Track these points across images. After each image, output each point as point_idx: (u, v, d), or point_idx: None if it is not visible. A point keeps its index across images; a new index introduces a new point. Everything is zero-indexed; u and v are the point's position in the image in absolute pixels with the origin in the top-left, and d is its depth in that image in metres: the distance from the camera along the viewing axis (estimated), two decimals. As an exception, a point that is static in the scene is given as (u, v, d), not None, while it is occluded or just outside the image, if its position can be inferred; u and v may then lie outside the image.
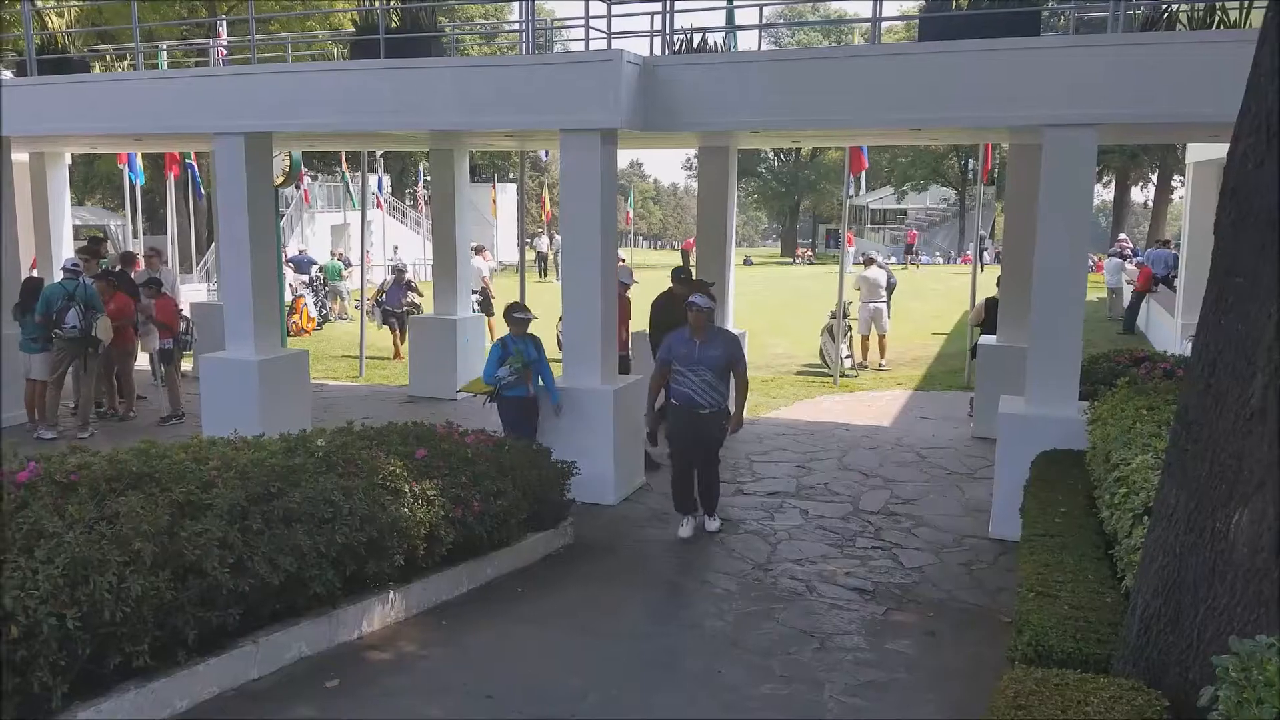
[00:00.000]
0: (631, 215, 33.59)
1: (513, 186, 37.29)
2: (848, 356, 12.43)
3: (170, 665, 3.73)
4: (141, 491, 3.92)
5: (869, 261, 14.62)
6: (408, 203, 35.66)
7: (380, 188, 25.78)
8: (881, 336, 13.18)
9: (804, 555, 5.98)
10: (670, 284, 8.33)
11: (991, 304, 9.82)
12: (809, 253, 46.98)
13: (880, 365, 12.99)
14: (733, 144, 10.27)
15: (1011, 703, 2.60)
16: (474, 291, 13.11)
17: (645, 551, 6.10)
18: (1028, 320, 6.83)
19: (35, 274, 11.07)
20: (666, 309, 8.07)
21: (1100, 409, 5.61)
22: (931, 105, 6.58)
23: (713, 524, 6.47)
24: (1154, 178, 37.39)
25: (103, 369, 9.39)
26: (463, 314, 11.34)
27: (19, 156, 11.76)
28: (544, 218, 33.07)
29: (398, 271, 15.50)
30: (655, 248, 66.20)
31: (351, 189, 28.34)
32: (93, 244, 11.49)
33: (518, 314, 7.24)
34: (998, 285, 9.70)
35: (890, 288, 19.32)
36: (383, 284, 15.87)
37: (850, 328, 12.84)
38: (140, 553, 3.59)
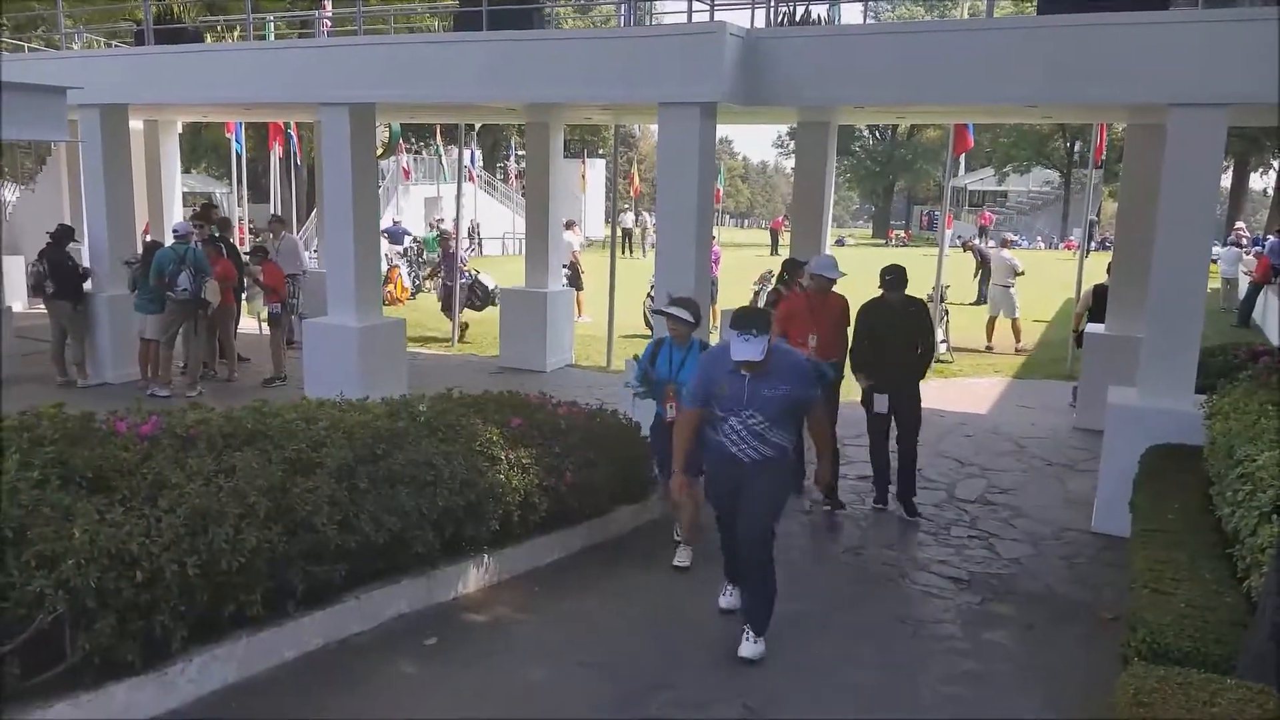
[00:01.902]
0: (721, 193, 33.38)
1: (601, 162, 37.41)
2: (943, 341, 12.14)
3: (280, 616, 3.91)
4: (256, 448, 4.09)
5: (1004, 244, 14.50)
6: (498, 176, 36.12)
7: (473, 161, 26.20)
8: (1014, 320, 13.13)
9: (896, 541, 5.90)
10: (881, 290, 6.21)
11: (1100, 291, 9.45)
12: (905, 234, 45.94)
13: (1017, 349, 12.91)
14: (833, 120, 10.08)
15: (1133, 700, 2.52)
16: (564, 265, 13.23)
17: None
18: (1140, 309, 6.56)
19: (149, 239, 11.60)
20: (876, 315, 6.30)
21: (1220, 403, 5.36)
22: (1050, 82, 6.32)
23: (750, 648, 4.21)
24: (1276, 164, 35.34)
25: (207, 331, 9.81)
26: (554, 287, 11.45)
27: (134, 124, 12.28)
28: (632, 193, 33.11)
29: (444, 240, 14.30)
30: (743, 226, 65.65)
31: (445, 162, 28.92)
32: (204, 210, 11.99)
33: (674, 310, 5.14)
34: (1108, 272, 9.33)
35: (989, 273, 18.82)
36: (440, 261, 14.17)
37: (947, 312, 12.55)
38: (255, 506, 3.75)
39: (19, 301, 13.06)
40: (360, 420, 4.70)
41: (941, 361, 11.78)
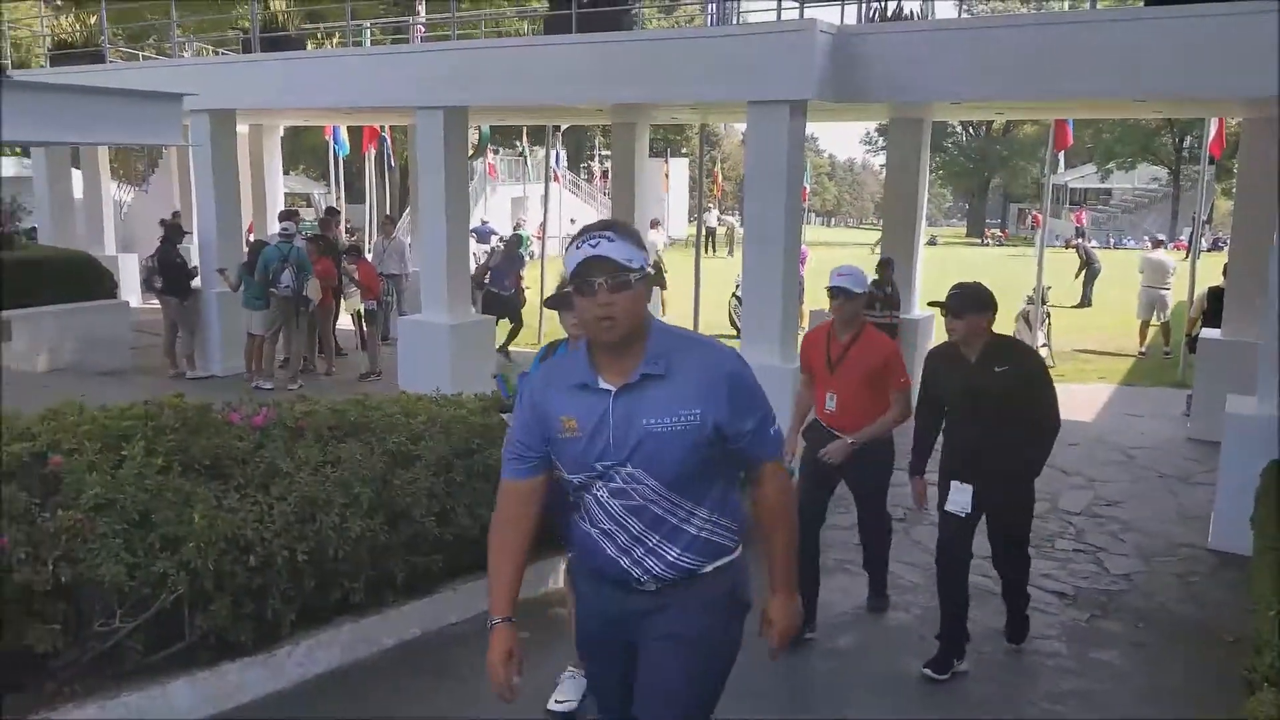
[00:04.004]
0: (808, 191, 33.09)
1: (684, 161, 37.43)
2: (1044, 345, 11.79)
3: (381, 604, 4.05)
4: (359, 440, 4.25)
5: (1156, 244, 14.14)
6: (583, 176, 36.48)
7: (558, 161, 26.55)
8: (1164, 324, 12.77)
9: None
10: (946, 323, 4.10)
11: (1215, 294, 9.05)
12: (1001, 233, 44.70)
13: (1165, 353, 12.52)
14: (927, 116, 9.91)
15: (1260, 724, 2.42)
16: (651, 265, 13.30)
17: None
18: (1258, 313, 6.26)
19: (253, 238, 12.12)
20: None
21: (1350, 413, 5.09)
22: (1161, 74, 6.11)
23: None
24: None
25: (307, 327, 10.19)
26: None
27: (240, 128, 12.83)
28: (715, 192, 33.07)
29: (509, 242, 12.63)
30: (829, 225, 64.86)
31: (530, 162, 29.37)
32: (288, 213, 12.47)
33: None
34: (1224, 274, 8.93)
35: (1094, 273, 18.15)
36: (488, 260, 12.14)
37: (1049, 314, 12.19)
38: (359, 496, 3.90)
39: (134, 297, 13.78)
40: (455, 415, 4.83)
41: (1040, 366, 11.42)
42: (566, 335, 3.61)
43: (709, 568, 2.22)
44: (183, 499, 3.49)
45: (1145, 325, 12.93)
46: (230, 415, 4.16)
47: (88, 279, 10.62)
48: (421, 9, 15.47)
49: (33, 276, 9.88)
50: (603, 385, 2.14)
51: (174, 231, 10.19)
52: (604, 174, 34.48)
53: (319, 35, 16.06)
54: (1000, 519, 4.13)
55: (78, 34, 13.32)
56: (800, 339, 4.92)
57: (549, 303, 3.42)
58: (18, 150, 19.33)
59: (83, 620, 3.27)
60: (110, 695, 3.27)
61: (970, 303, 3.86)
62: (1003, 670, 4.28)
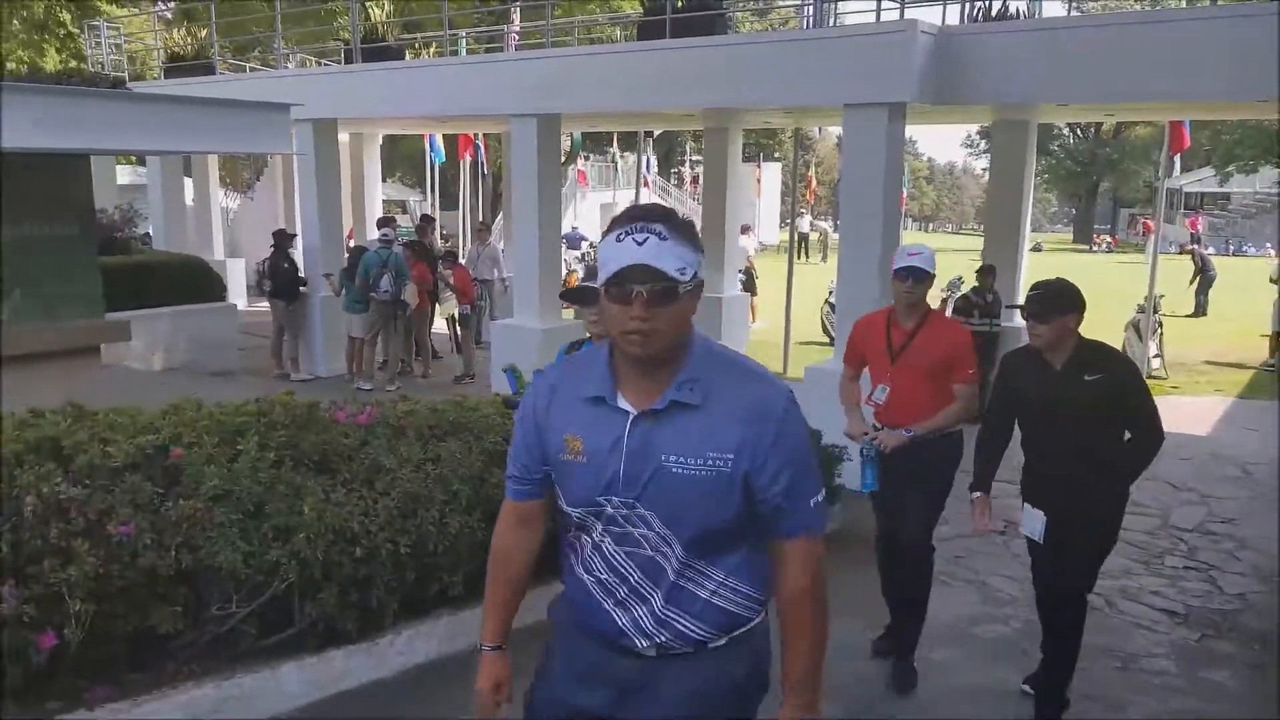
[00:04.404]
0: (905, 195, 32.60)
1: (776, 165, 37.26)
2: (1156, 355, 11.38)
3: (478, 598, 4.18)
4: (458, 439, 4.41)
5: None
6: (673, 182, 36.65)
7: (648, 167, 26.76)
8: None
9: (1103, 568, 5.60)
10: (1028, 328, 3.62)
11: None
12: (1111, 239, 43.11)
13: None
14: (1032, 118, 9.70)
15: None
16: (739, 271, 13.34)
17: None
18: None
19: (353, 244, 12.60)
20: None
21: None
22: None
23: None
24: None
25: (404, 330, 10.56)
26: (729, 292, 11.56)
27: (341, 137, 13.37)
28: (808, 197, 32.80)
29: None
30: (927, 230, 63.59)
31: (621, 168, 29.67)
32: (386, 219, 12.92)
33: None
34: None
35: (1208, 281, 17.39)
36: (585, 270, 11.83)
37: (1161, 324, 11.76)
38: (458, 493, 4.06)
39: (240, 300, 14.49)
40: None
41: (1155, 378, 11.04)
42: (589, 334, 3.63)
43: (722, 640, 1.87)
44: (293, 492, 3.70)
45: (1277, 336, 12.38)
46: (336, 414, 4.37)
47: (199, 282, 11.22)
48: (516, 18, 15.81)
49: (148, 280, 10.49)
50: (621, 404, 1.79)
51: (284, 238, 10.69)
52: (695, 179, 34.57)
53: (416, 45, 16.61)
54: (1071, 555, 3.57)
55: (189, 47, 14.10)
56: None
57: (566, 296, 3.45)
58: (133, 159, 20.49)
59: (201, 604, 3.49)
60: (226, 676, 3.48)
61: (1055, 303, 3.41)
62: (1107, 687, 4.18)
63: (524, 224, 9.22)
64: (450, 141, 18.44)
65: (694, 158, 36.38)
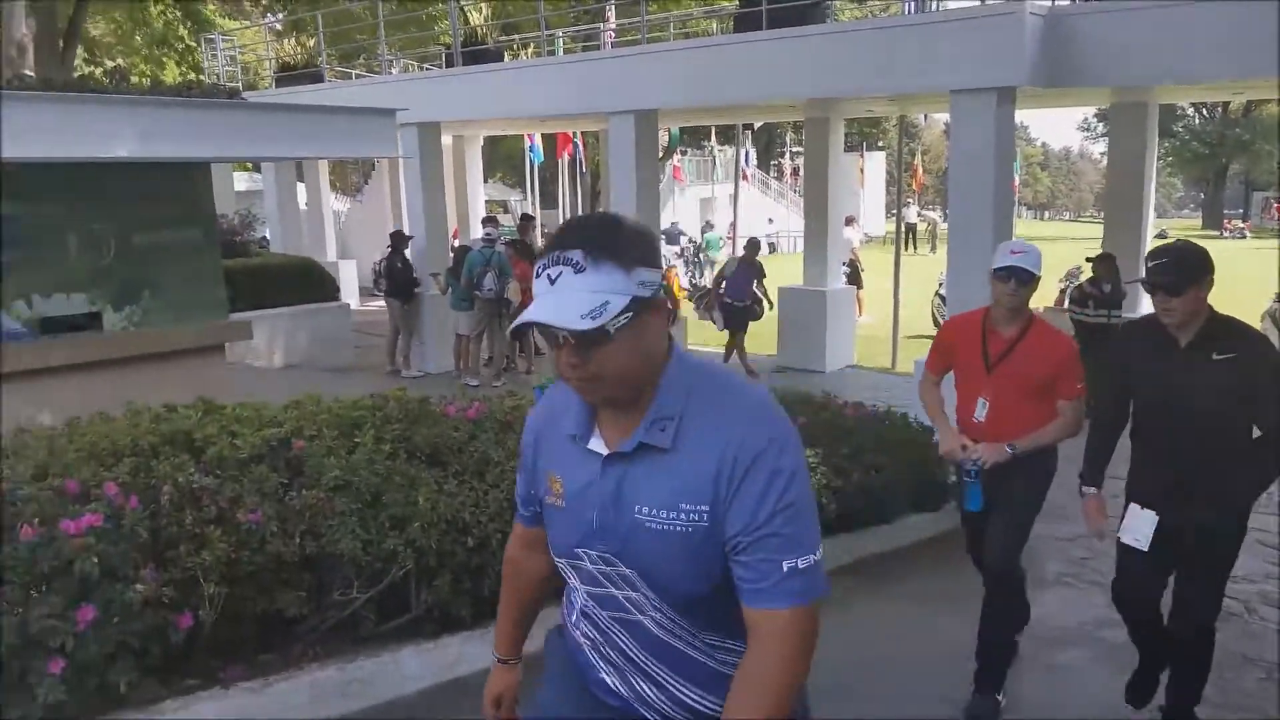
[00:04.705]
0: (1018, 182, 31.59)
1: (880, 155, 36.60)
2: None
3: (583, 590, 4.31)
4: (563, 434, 4.53)
5: None
6: (772, 174, 36.40)
7: (747, 160, 26.68)
8: None
9: (1242, 572, 5.37)
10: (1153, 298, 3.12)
11: None
12: (1244, 224, 40.85)
13: None
14: (1153, 99, 9.31)
15: None
16: (843, 263, 13.21)
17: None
18: None
19: (457, 243, 12.99)
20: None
21: None
22: None
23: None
24: None
25: (507, 327, 10.83)
26: (833, 285, 11.46)
27: (444, 140, 13.76)
28: (914, 187, 32.10)
29: (751, 247, 11.47)
30: (1042, 218, 61.41)
31: (719, 162, 29.65)
32: (489, 219, 13.26)
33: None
34: None
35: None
36: (724, 267, 11.17)
37: (1298, 314, 11.14)
38: (564, 486, 4.18)
39: (353, 299, 15.11)
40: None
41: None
42: None
43: None
44: (408, 482, 3.87)
45: None
46: (446, 408, 4.55)
47: (314, 283, 11.76)
48: (611, 15, 16.00)
49: (267, 281, 11.06)
50: (595, 444, 1.56)
51: (401, 240, 11.11)
52: (795, 171, 34.25)
53: (515, 47, 16.99)
54: (1194, 562, 3.17)
55: (299, 56, 14.76)
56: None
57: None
58: (250, 166, 21.53)
59: (324, 589, 3.69)
60: (348, 659, 3.68)
61: (1189, 271, 2.92)
62: (1248, 698, 4.01)
63: (623, 220, 9.35)
64: (549, 141, 18.79)
65: (794, 149, 36.03)
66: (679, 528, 1.48)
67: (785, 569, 1.46)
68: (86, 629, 2.91)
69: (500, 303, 10.22)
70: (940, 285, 12.51)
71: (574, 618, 1.71)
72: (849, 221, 16.29)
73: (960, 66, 6.98)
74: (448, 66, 13.00)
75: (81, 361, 6.36)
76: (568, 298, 1.40)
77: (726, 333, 11.05)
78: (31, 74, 12.55)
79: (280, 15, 20.87)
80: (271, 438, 3.98)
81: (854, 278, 14.14)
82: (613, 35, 15.64)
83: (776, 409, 1.53)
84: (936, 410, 3.82)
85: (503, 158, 29.14)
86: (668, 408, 1.49)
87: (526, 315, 1.43)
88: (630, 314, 1.42)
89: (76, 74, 16.84)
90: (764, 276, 11.06)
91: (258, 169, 20.21)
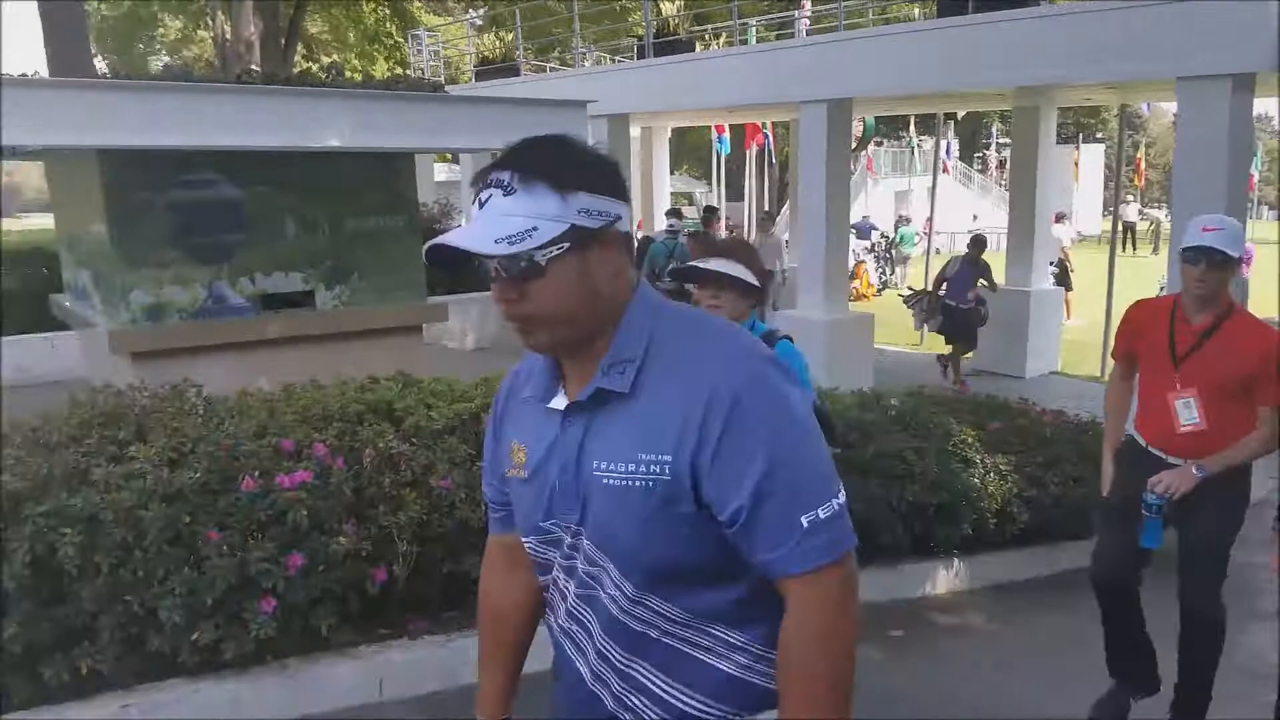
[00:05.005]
0: (1256, 179, 28.95)
1: (1096, 147, 34.43)
2: None
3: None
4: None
5: None
6: (975, 167, 34.98)
7: (948, 152, 25.78)
8: None
9: None
10: None
11: None
12: None
13: None
14: None
15: None
16: (1051, 263, 12.59)
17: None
18: None
19: (641, 234, 13.31)
20: None
21: None
22: None
23: None
24: None
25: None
26: (1038, 286, 10.96)
27: (632, 132, 14.12)
28: (1136, 183, 30.05)
29: (976, 244, 10.32)
30: (1287, 220, 55.83)
31: (918, 153, 28.80)
32: (674, 211, 13.49)
33: (714, 266, 3.00)
34: None
35: None
36: (945, 267, 10.48)
37: None
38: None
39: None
40: (833, 409, 5.06)
41: None
42: None
43: None
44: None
45: None
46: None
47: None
48: (806, 2, 15.89)
49: (467, 266, 11.69)
50: (555, 403, 1.41)
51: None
52: (1001, 164, 32.79)
53: (706, 37, 17.19)
54: None
55: (497, 50, 15.52)
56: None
57: (675, 273, 3.10)
58: (449, 157, 22.81)
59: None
60: (525, 626, 3.92)
61: None
62: None
63: (811, 213, 9.31)
64: (737, 132, 18.87)
65: (1002, 140, 34.48)
66: (637, 482, 1.30)
67: (805, 524, 1.27)
68: (295, 574, 3.27)
69: (681, 295, 10.40)
70: (1161, 289, 11.71)
71: (550, 605, 1.50)
72: (1059, 218, 15.47)
73: (1189, 50, 6.54)
74: (639, 58, 13.32)
75: (295, 335, 7.04)
76: (491, 222, 1.27)
77: (935, 336, 10.56)
78: (258, 69, 13.83)
79: (480, 11, 22.00)
80: (463, 412, 4.28)
81: (1062, 278, 13.44)
82: (808, 23, 15.54)
83: (754, 344, 1.36)
84: (1116, 415, 3.48)
85: (690, 150, 29.48)
86: (626, 349, 1.34)
87: (437, 239, 1.29)
88: (566, 245, 1.27)
89: (296, 69, 18.41)
90: (991, 276, 10.22)
91: (456, 160, 21.39)
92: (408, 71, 19.80)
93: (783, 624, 1.31)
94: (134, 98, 6.54)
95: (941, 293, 10.22)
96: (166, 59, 27.06)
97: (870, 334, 9.63)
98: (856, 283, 17.27)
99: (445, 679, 3.57)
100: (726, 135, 17.89)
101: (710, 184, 22.44)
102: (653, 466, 1.29)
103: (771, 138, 19.40)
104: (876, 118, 20.01)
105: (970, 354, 10.45)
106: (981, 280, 10.11)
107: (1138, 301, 3.51)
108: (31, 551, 3.03)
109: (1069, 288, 13.49)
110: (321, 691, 3.33)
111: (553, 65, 19.12)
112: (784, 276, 12.77)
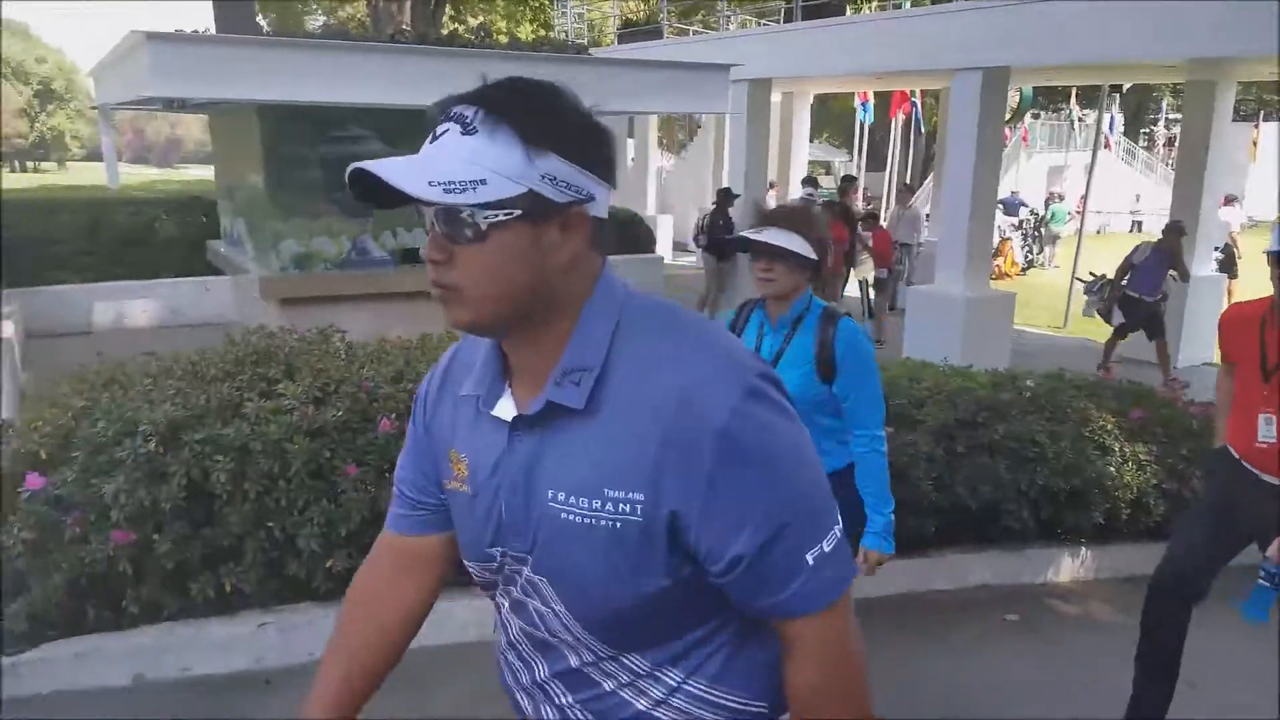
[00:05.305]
0: None
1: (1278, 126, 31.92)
2: None
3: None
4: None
5: None
6: (1141, 143, 33.03)
7: (1111, 126, 24.41)
8: None
9: None
10: None
11: None
12: None
13: None
14: None
15: None
16: (1216, 248, 11.83)
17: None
18: None
19: (774, 202, 13.20)
20: None
21: None
22: None
23: None
24: None
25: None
26: (1198, 271, 10.34)
27: (773, 97, 13.95)
28: (1327, 163, 27.74)
29: (1172, 231, 9.21)
30: None
31: (1078, 127, 27.38)
32: (809, 179, 13.30)
33: (765, 237, 2.78)
34: None
35: None
36: (1132, 253, 9.36)
37: None
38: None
39: (667, 253, 15.88)
40: (962, 386, 4.94)
41: None
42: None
43: None
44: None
45: None
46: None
47: (635, 234, 12.51)
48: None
49: (593, 231, 11.93)
50: (500, 409, 1.20)
51: (726, 197, 11.53)
52: (1170, 141, 30.86)
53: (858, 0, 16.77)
54: None
55: (640, 13, 15.57)
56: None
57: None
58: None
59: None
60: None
61: None
62: None
63: (957, 186, 9.03)
64: (881, 100, 18.38)
65: (1172, 115, 32.41)
66: (603, 521, 1.11)
67: (812, 561, 1.13)
68: (425, 513, 3.45)
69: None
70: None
71: (502, 649, 1.35)
72: (1228, 201, 14.48)
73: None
74: (786, 21, 13.12)
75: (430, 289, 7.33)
76: (435, 161, 1.06)
77: (1084, 321, 9.95)
78: (408, 28, 14.31)
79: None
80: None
81: (1227, 264, 12.59)
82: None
83: (740, 353, 1.15)
84: (1221, 414, 3.23)
85: (833, 117, 28.87)
86: (582, 355, 1.12)
87: (363, 163, 1.06)
88: (516, 212, 1.06)
89: (444, 30, 18.93)
90: (1183, 264, 9.24)
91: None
92: (552, 34, 20.07)
93: (791, 665, 1.20)
94: (294, 55, 6.90)
95: (1124, 283, 9.16)
96: (323, 18, 28.23)
97: (1010, 314, 9.30)
98: (1000, 260, 16.64)
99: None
100: (870, 103, 17.46)
101: (850, 153, 21.97)
102: (621, 506, 1.10)
103: (920, 106, 18.80)
104: (1035, 88, 19.12)
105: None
106: (1172, 271, 9.13)
107: (1233, 305, 3.26)
108: (187, 475, 3.31)
109: (1234, 275, 12.63)
110: (440, 625, 3.52)
111: (696, 29, 19.01)
112: (919, 250, 12.45)
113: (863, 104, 17.49)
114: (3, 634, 3.31)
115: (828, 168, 28.00)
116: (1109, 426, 4.89)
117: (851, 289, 12.12)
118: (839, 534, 1.18)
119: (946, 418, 4.58)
